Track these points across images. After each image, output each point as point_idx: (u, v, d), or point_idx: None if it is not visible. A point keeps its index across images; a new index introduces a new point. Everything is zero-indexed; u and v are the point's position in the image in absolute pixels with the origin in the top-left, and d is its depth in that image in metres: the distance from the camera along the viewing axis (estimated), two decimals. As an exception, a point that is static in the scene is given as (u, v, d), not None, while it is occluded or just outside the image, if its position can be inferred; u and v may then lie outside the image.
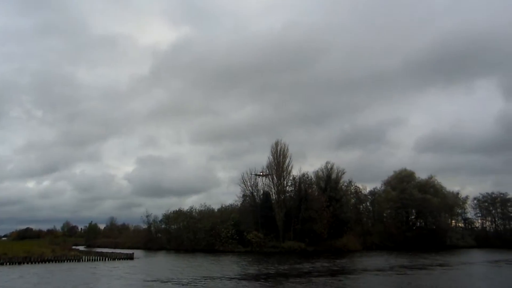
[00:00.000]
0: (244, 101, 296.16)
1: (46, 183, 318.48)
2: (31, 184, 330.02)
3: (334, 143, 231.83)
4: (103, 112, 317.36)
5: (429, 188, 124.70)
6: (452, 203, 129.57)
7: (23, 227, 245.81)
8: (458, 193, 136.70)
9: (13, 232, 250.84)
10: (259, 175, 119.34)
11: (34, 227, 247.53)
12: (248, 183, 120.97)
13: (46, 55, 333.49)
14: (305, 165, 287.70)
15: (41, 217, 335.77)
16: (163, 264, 76.00)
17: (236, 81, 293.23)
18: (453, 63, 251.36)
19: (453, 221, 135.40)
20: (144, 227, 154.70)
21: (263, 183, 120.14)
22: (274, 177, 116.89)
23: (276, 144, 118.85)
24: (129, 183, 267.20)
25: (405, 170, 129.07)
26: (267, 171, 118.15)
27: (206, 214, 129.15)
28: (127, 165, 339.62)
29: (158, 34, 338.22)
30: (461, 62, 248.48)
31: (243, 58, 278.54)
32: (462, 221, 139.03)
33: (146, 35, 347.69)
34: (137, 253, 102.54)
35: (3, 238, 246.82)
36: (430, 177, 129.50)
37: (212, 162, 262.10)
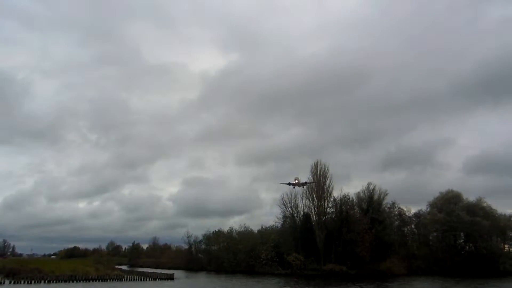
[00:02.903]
0: (288, 124, 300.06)
1: (96, 203, 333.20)
2: (82, 205, 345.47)
3: (379, 165, 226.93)
4: (153, 135, 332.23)
5: (479, 210, 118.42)
6: (504, 226, 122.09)
7: (72, 245, 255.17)
8: (510, 216, 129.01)
9: (61, 251, 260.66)
10: (294, 184, 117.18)
11: (82, 246, 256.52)
12: (288, 204, 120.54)
13: (102, 83, 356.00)
14: (350, 187, 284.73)
15: (89, 236, 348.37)
16: (203, 285, 76.25)
17: (281, 104, 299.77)
18: (500, 83, 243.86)
19: (506, 246, 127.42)
20: (185, 247, 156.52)
21: (303, 204, 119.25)
22: (315, 197, 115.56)
23: (316, 164, 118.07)
24: (174, 203, 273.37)
25: (452, 191, 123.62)
26: (307, 191, 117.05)
27: (246, 235, 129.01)
28: (173, 186, 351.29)
29: (208, 61, 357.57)
30: (509, 82, 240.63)
31: (289, 82, 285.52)
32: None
33: (196, 62, 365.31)
34: (178, 273, 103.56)
35: (52, 256, 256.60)
36: (479, 199, 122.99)
37: (255, 184, 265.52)
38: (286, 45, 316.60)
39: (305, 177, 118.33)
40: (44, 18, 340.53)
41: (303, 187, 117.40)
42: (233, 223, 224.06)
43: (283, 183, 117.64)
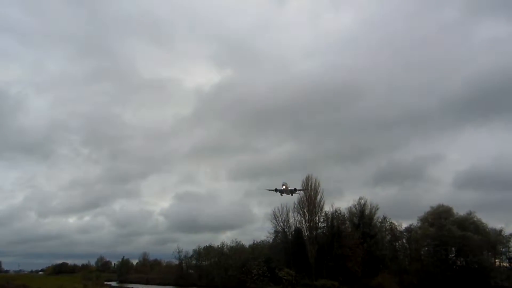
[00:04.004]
0: (281, 139, 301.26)
1: (86, 218, 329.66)
2: (72, 220, 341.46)
3: (371, 180, 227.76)
4: (146, 150, 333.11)
5: (469, 224, 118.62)
6: (495, 241, 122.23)
7: (60, 261, 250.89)
8: (501, 231, 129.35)
9: (49, 267, 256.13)
10: (282, 191, 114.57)
11: (71, 261, 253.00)
12: (280, 219, 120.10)
13: (96, 98, 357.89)
14: (342, 201, 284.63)
15: (79, 252, 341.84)
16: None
17: (274, 119, 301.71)
18: (489, 101, 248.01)
19: (497, 260, 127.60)
20: (176, 263, 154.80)
21: (295, 219, 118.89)
22: (306, 212, 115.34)
23: (307, 179, 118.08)
24: (165, 218, 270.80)
25: (443, 205, 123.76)
26: (298, 206, 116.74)
27: (237, 250, 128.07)
28: (165, 201, 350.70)
29: (203, 76, 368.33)
30: (498, 99, 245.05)
31: (282, 98, 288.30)
32: (507, 261, 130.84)
33: (191, 78, 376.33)
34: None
35: (40, 273, 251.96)
36: (470, 213, 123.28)
37: (248, 198, 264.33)
38: (280, 61, 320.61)
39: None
40: (39, 33, 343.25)
41: (291, 194, 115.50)
42: (225, 238, 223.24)
43: (269, 190, 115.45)
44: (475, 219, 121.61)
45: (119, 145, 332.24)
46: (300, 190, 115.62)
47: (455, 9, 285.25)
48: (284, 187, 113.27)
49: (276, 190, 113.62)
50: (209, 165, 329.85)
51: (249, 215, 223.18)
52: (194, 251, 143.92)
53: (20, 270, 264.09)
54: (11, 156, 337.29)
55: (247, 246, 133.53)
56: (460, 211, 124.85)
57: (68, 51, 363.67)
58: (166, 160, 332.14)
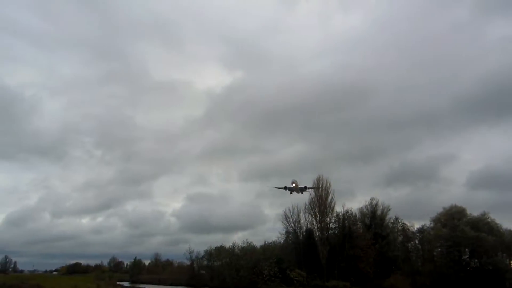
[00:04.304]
0: (291, 140, 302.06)
1: (99, 219, 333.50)
2: (85, 221, 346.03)
3: (383, 181, 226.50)
4: (157, 152, 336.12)
5: (483, 225, 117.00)
6: (509, 241, 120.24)
7: (74, 262, 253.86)
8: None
9: (62, 267, 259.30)
10: (292, 189, 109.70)
11: (84, 262, 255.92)
12: (291, 220, 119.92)
13: (108, 101, 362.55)
14: (354, 202, 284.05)
15: (92, 252, 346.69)
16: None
17: (285, 120, 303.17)
18: (503, 100, 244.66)
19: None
20: (187, 263, 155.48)
21: (306, 220, 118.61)
22: (317, 212, 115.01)
23: (318, 179, 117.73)
24: (177, 219, 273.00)
25: (456, 206, 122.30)
26: (309, 207, 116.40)
27: (249, 251, 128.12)
28: (176, 202, 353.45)
29: (214, 78, 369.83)
30: (511, 99, 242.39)
31: (292, 99, 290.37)
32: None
33: (202, 80, 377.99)
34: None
35: (54, 273, 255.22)
36: (484, 214, 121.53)
37: (259, 199, 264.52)
38: (290, 62, 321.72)
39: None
40: (52, 37, 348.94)
41: (301, 193, 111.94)
42: (237, 238, 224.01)
43: (279, 188, 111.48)
44: (489, 219, 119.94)
45: (131, 147, 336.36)
46: (310, 188, 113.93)
47: (465, 8, 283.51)
48: (293, 185, 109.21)
49: (285, 188, 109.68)
50: (220, 166, 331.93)
51: (261, 216, 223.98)
52: (206, 251, 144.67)
53: (35, 270, 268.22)
54: (25, 157, 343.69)
55: (258, 246, 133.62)
56: (473, 211, 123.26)
57: (81, 54, 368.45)
58: (178, 161, 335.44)
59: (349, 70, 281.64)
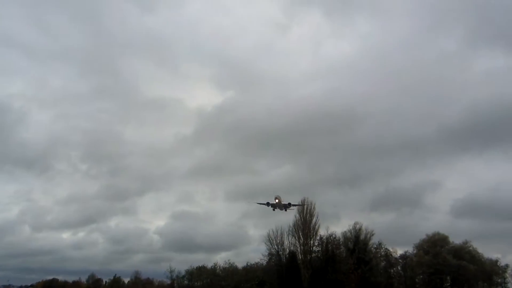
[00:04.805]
0: (280, 161, 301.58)
1: (81, 234, 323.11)
2: (66, 235, 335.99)
3: (368, 205, 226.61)
4: (144, 168, 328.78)
5: (465, 253, 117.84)
6: (491, 271, 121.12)
7: (51, 277, 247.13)
8: (497, 261, 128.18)
9: (39, 282, 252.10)
10: (274, 206, 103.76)
11: (62, 278, 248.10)
12: (274, 242, 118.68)
13: (98, 115, 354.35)
14: (338, 226, 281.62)
15: (71, 268, 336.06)
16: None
17: (274, 142, 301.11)
18: (487, 130, 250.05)
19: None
20: (168, 282, 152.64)
21: (289, 242, 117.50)
22: (301, 235, 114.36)
23: (303, 201, 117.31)
24: (160, 237, 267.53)
25: (438, 233, 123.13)
26: (293, 229, 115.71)
27: (230, 272, 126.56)
28: (161, 219, 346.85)
29: (205, 97, 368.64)
30: (497, 129, 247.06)
31: (282, 121, 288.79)
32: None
33: (193, 98, 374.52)
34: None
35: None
36: (465, 242, 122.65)
37: (244, 220, 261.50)
38: (281, 85, 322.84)
39: (288, 213, 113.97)
40: (44, 49, 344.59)
41: (285, 210, 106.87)
42: (220, 259, 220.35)
43: (261, 203, 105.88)
44: (471, 248, 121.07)
45: (118, 162, 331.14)
46: (295, 205, 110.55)
47: (453, 39, 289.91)
48: (276, 200, 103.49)
49: (268, 204, 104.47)
50: (207, 185, 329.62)
51: (245, 236, 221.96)
52: (187, 271, 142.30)
53: (10, 285, 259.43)
54: (10, 169, 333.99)
55: (240, 268, 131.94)
56: (456, 239, 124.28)
57: (73, 67, 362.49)
58: (165, 178, 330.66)
59: (339, 95, 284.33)
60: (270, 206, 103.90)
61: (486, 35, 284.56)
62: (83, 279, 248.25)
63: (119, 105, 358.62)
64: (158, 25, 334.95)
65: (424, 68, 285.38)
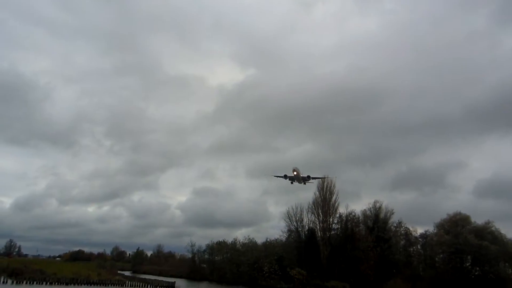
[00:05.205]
0: (301, 139, 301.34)
1: (105, 208, 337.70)
2: (91, 209, 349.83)
3: (390, 184, 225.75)
4: (167, 144, 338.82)
5: (487, 234, 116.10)
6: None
7: (77, 249, 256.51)
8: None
9: (66, 253, 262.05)
10: (292, 178, 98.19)
11: (87, 249, 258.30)
12: (294, 218, 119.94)
13: (121, 92, 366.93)
14: (359, 205, 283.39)
15: (95, 240, 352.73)
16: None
17: (295, 120, 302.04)
18: None
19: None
20: (189, 256, 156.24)
21: (308, 219, 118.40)
22: (320, 212, 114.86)
23: (322, 180, 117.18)
24: (182, 212, 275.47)
25: (460, 213, 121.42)
26: (312, 206, 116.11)
27: (250, 248, 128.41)
28: (182, 195, 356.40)
29: (226, 75, 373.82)
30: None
31: (304, 99, 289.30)
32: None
33: (215, 76, 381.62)
34: (179, 282, 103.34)
35: (57, 259, 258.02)
36: (488, 223, 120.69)
37: (265, 197, 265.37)
38: (304, 62, 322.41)
39: (309, 190, 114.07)
40: (69, 26, 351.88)
41: (303, 183, 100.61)
42: (240, 235, 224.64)
43: (277, 176, 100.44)
44: (493, 228, 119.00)
45: (141, 138, 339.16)
46: (315, 178, 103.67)
47: (482, 16, 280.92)
48: (295, 173, 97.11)
49: (285, 176, 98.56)
50: (228, 162, 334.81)
51: (265, 213, 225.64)
52: (207, 245, 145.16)
53: (39, 255, 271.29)
54: (36, 144, 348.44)
55: (260, 243, 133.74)
56: (478, 220, 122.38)
57: (97, 45, 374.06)
58: (186, 155, 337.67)
59: (362, 73, 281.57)
60: (288, 179, 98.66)
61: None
62: (108, 251, 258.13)
63: (141, 82, 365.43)
64: (181, 2, 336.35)
65: (451, 46, 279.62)
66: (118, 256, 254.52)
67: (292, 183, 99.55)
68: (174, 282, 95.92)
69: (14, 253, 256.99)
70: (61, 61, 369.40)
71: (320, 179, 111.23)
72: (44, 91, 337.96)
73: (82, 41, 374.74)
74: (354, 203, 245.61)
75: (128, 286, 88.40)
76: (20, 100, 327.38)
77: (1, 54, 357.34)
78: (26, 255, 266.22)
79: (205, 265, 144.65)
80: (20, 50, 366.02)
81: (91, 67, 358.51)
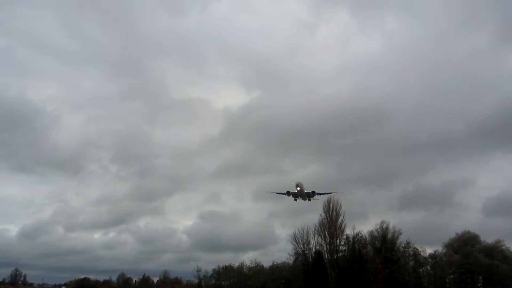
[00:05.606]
0: (306, 161, 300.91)
1: (111, 234, 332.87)
2: (97, 235, 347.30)
3: (397, 204, 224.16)
4: (172, 169, 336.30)
5: (497, 253, 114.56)
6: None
7: (83, 276, 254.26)
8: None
9: (71, 281, 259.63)
10: (295, 195, 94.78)
11: (93, 277, 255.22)
12: (300, 241, 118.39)
13: (127, 117, 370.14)
14: (367, 225, 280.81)
15: (101, 267, 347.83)
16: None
17: (300, 141, 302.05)
18: None
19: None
20: (196, 281, 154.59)
21: (315, 241, 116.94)
22: (327, 234, 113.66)
23: (329, 201, 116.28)
24: (188, 237, 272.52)
25: (469, 232, 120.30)
26: (319, 228, 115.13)
27: (257, 272, 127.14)
28: (189, 219, 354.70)
29: (231, 97, 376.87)
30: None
31: (309, 120, 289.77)
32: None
33: (219, 99, 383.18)
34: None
35: (63, 287, 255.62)
36: (498, 241, 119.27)
37: (271, 219, 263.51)
38: (308, 84, 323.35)
39: (316, 212, 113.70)
40: (76, 53, 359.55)
41: (308, 199, 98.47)
42: (247, 258, 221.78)
43: (280, 193, 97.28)
44: (503, 247, 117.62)
45: (147, 163, 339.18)
46: (321, 193, 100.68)
47: (485, 35, 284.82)
48: (298, 188, 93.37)
49: (288, 193, 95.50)
50: (234, 185, 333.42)
51: (272, 236, 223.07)
52: (214, 270, 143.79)
53: (44, 284, 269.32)
54: (43, 171, 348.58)
55: (266, 267, 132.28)
56: (488, 238, 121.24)
57: (104, 70, 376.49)
58: (192, 179, 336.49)
59: (366, 94, 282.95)
60: (291, 196, 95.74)
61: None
62: (114, 278, 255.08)
63: (147, 107, 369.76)
64: (186, 27, 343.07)
65: (454, 65, 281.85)
66: (124, 283, 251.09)
67: (295, 200, 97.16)
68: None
69: (20, 282, 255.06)
70: (68, 87, 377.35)
71: (326, 195, 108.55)
72: (51, 118, 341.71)
73: (88, 68, 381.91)
74: (361, 224, 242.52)
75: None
76: (27, 128, 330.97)
77: (10, 82, 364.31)
78: (31, 284, 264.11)
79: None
80: (28, 78, 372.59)
81: (97, 93, 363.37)
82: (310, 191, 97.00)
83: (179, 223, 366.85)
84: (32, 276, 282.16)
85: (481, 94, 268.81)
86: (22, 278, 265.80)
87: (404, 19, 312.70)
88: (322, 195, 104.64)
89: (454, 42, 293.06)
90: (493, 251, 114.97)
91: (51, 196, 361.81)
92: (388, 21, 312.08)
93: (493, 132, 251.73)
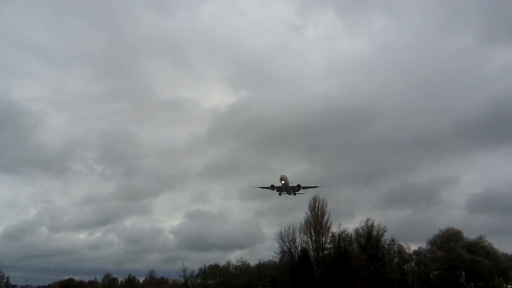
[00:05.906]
0: (294, 159, 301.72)
1: (97, 234, 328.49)
2: (83, 235, 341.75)
3: (383, 202, 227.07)
4: (159, 168, 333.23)
5: (479, 249, 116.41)
6: (506, 266, 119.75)
7: (67, 277, 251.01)
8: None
9: (56, 282, 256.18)
10: (280, 189, 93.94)
11: (78, 277, 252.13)
12: (286, 239, 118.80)
13: (114, 117, 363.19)
14: (353, 223, 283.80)
15: (87, 268, 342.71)
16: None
17: (288, 141, 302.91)
18: (503, 125, 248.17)
19: (509, 286, 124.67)
20: (182, 281, 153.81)
21: (301, 240, 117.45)
22: (312, 232, 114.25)
23: (314, 199, 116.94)
24: (175, 236, 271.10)
25: (452, 229, 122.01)
26: (305, 226, 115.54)
27: (243, 270, 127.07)
28: (175, 219, 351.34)
29: (219, 97, 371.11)
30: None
31: (296, 119, 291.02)
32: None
33: (207, 98, 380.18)
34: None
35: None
36: (480, 238, 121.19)
37: (258, 218, 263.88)
38: (295, 84, 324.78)
39: (302, 210, 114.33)
40: (62, 53, 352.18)
41: (293, 194, 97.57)
42: (234, 257, 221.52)
43: (264, 187, 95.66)
44: (486, 243, 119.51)
45: (134, 162, 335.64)
46: (306, 187, 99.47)
47: (470, 35, 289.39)
48: (282, 182, 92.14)
49: (272, 187, 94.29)
50: (221, 184, 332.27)
51: (259, 234, 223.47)
52: (200, 269, 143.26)
53: (27, 285, 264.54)
54: (27, 171, 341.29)
55: (253, 266, 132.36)
56: (472, 235, 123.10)
57: (90, 71, 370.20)
58: (179, 178, 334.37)
59: (353, 93, 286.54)
60: (275, 190, 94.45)
61: (502, 30, 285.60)
62: (99, 278, 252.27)
63: (134, 107, 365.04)
64: (173, 27, 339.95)
65: (439, 64, 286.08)
66: (109, 284, 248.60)
67: (280, 194, 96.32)
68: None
69: (2, 284, 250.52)
70: (53, 87, 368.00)
71: (313, 189, 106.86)
72: (36, 117, 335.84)
73: (74, 68, 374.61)
74: (347, 222, 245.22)
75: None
76: (12, 128, 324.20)
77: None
78: (14, 286, 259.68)
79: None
80: (13, 78, 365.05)
81: (83, 93, 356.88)
82: (296, 185, 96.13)
83: (166, 223, 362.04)
84: (15, 277, 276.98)
85: (466, 93, 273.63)
86: (5, 280, 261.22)
87: (390, 20, 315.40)
88: (308, 189, 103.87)
89: (439, 42, 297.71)
90: (476, 247, 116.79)
91: (35, 197, 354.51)
92: (375, 21, 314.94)
93: (477, 131, 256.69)
